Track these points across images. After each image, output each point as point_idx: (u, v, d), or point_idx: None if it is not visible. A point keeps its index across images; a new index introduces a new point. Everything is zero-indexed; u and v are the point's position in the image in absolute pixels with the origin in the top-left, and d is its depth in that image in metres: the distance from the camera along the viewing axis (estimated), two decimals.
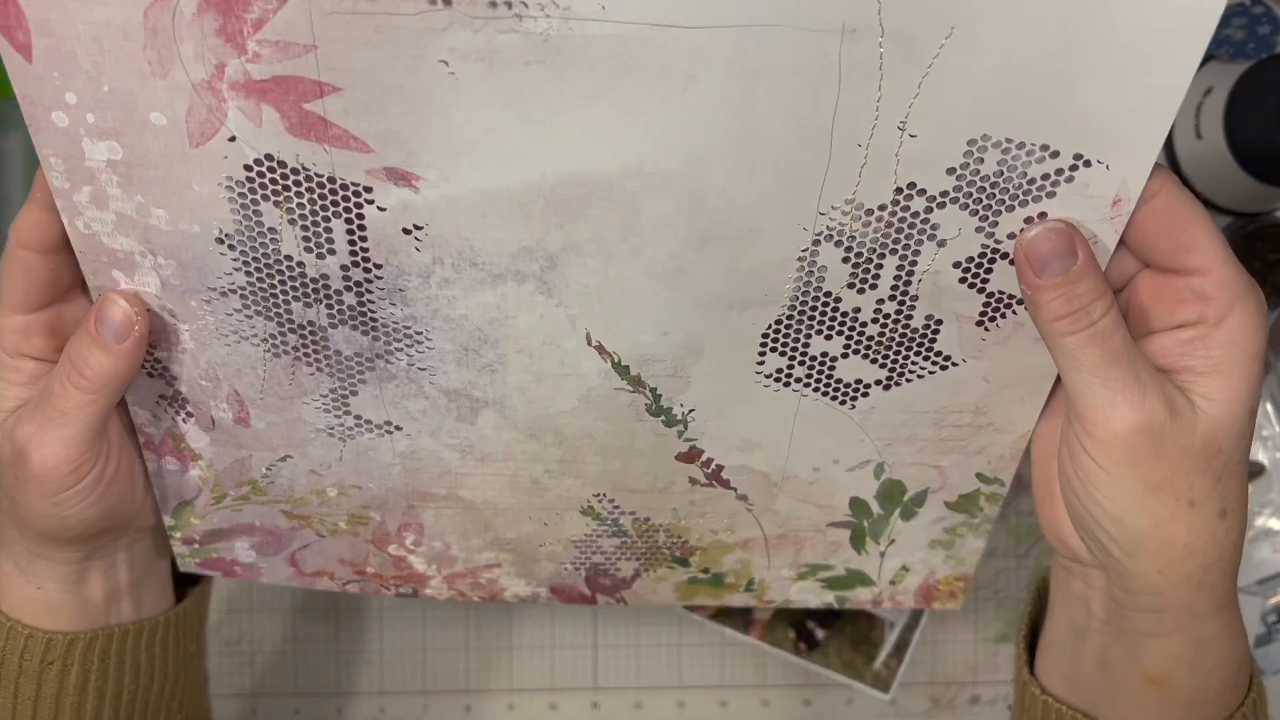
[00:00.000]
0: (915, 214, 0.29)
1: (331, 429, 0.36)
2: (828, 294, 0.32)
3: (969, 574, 0.42)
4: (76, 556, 0.36)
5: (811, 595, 0.43)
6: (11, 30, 0.27)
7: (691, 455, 0.37)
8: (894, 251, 0.30)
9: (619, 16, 0.25)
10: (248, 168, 0.29)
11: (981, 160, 0.28)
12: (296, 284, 0.32)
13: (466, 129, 0.28)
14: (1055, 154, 0.28)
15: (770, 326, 0.33)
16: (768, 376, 0.34)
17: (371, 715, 0.56)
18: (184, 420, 0.37)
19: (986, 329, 0.32)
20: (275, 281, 0.32)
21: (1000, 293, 0.31)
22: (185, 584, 0.42)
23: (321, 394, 0.35)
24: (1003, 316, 0.32)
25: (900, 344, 0.33)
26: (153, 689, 0.39)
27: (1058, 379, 0.34)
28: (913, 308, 0.32)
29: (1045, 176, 0.28)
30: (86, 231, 0.31)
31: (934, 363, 0.34)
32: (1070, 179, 0.28)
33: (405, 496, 0.39)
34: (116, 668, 0.37)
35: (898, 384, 0.34)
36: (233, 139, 0.28)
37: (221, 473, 0.38)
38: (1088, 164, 0.28)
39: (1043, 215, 0.29)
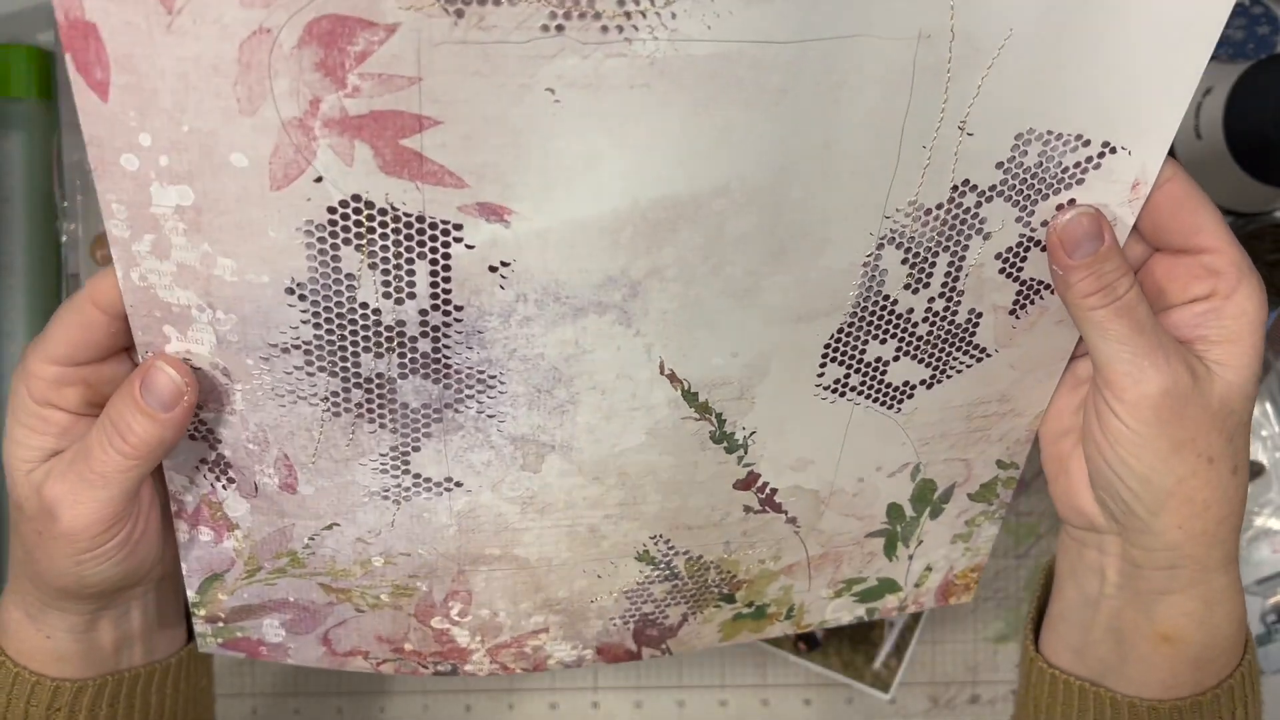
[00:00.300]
0: (967, 209, 0.32)
1: (386, 491, 0.34)
2: (885, 297, 0.34)
3: (982, 563, 0.44)
4: (89, 609, 0.35)
5: (845, 612, 0.44)
6: (90, 68, 0.26)
7: (749, 481, 0.37)
8: (946, 249, 0.33)
9: (723, 35, 0.27)
10: (331, 210, 0.28)
11: (1025, 153, 0.31)
12: (369, 334, 0.31)
13: (565, 158, 0.28)
14: (1087, 142, 0.31)
15: (832, 336, 0.34)
16: (826, 389, 0.35)
17: (371, 715, 0.55)
18: (224, 487, 0.34)
19: (1018, 317, 0.35)
20: (346, 333, 0.31)
21: (1032, 279, 0.34)
22: None
23: (381, 452, 0.33)
24: (1031, 304, 0.35)
25: (945, 341, 0.35)
26: None
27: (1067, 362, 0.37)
28: (959, 303, 0.34)
29: (1077, 165, 0.32)
30: (141, 284, 0.29)
31: (972, 356, 0.36)
32: (1098, 166, 0.32)
33: (457, 561, 0.37)
34: (125, 712, 0.37)
35: (939, 381, 0.36)
36: (319, 180, 0.28)
37: (259, 543, 0.36)
38: (1114, 151, 0.31)
39: (1071, 201, 0.32)
